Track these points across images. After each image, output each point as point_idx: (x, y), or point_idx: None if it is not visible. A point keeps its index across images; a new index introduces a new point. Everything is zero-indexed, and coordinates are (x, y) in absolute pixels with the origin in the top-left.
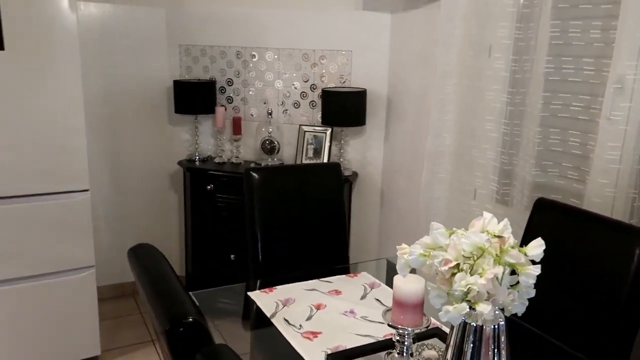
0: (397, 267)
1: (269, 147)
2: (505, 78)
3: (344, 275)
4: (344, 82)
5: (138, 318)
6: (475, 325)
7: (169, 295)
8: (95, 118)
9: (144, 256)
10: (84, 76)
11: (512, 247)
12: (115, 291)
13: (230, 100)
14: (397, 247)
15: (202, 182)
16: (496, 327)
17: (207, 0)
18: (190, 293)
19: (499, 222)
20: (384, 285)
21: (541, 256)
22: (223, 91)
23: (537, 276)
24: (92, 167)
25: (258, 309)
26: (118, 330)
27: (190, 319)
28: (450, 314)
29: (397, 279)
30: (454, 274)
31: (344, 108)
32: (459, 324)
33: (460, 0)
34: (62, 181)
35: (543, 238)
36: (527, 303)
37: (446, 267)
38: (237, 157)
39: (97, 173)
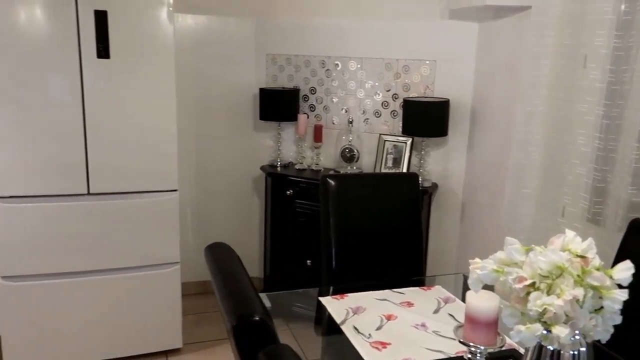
0: (469, 282)
1: (349, 155)
2: (601, 89)
3: (417, 288)
4: (427, 91)
5: (219, 315)
6: (552, 349)
7: (238, 293)
8: (186, 122)
9: (218, 254)
10: (178, 83)
11: (597, 269)
12: (199, 288)
13: (312, 108)
14: (469, 261)
15: (283, 187)
16: (576, 353)
17: (294, 11)
18: (261, 293)
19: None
20: (459, 301)
21: (629, 280)
22: (306, 99)
23: (626, 302)
24: (181, 168)
25: (329, 315)
26: (200, 326)
27: (257, 318)
28: (522, 334)
29: (469, 295)
30: (528, 293)
31: (426, 118)
32: (535, 347)
33: (552, 9)
34: (154, 181)
35: (637, 261)
36: (612, 330)
37: (521, 285)
38: (317, 164)
39: (186, 174)
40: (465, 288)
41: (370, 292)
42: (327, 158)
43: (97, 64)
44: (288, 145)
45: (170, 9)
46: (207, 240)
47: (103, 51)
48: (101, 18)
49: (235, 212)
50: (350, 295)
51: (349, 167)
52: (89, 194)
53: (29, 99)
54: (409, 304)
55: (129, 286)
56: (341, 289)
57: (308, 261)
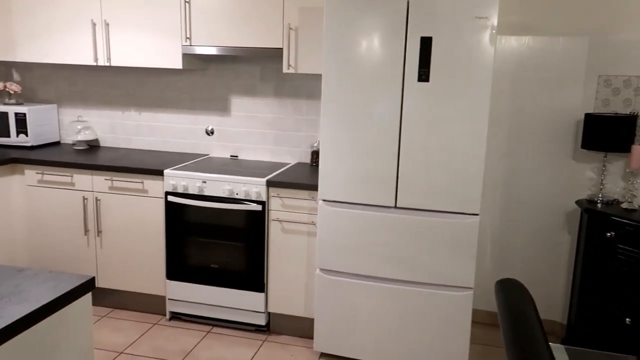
0: None
1: None
2: None
3: None
4: None
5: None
6: None
7: (526, 341)
8: (494, 145)
9: (510, 292)
10: (490, 105)
11: None
12: (490, 318)
13: None
14: None
15: (602, 227)
16: None
17: None
18: (558, 345)
19: None
20: None
21: None
22: None
23: None
24: (484, 193)
25: None
26: (486, 357)
27: None
28: None
29: None
30: None
31: None
32: None
33: None
34: (457, 202)
35: None
36: None
37: None
38: None
39: (489, 199)
40: None
41: None
42: None
43: (417, 87)
44: (614, 179)
45: (494, 32)
46: (504, 270)
47: (424, 75)
48: (426, 44)
49: (539, 245)
50: None
51: None
52: (395, 207)
53: (359, 117)
54: None
55: (421, 301)
56: None
57: (627, 319)
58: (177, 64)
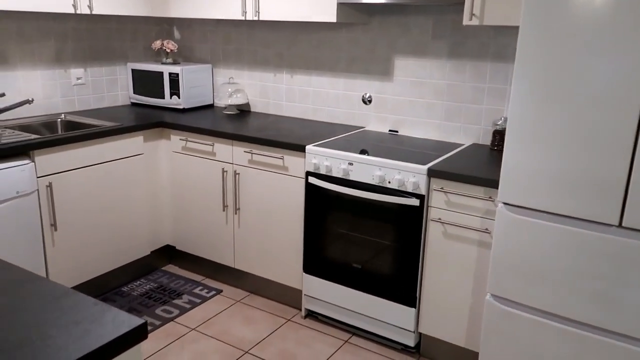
0: None
1: None
2: None
3: None
4: None
5: None
6: None
7: None
8: None
9: None
10: None
11: None
12: None
13: None
14: None
15: None
16: None
17: None
18: None
19: None
20: None
21: None
22: None
23: None
24: None
25: None
26: None
27: None
28: None
29: None
30: None
31: None
32: None
33: None
34: None
35: None
36: None
37: None
38: None
39: None
40: None
41: None
42: None
43: None
44: None
45: None
46: None
47: None
48: None
49: None
50: None
51: None
52: (620, 226)
53: (570, 90)
54: None
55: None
56: None
57: None
58: (331, 16)
